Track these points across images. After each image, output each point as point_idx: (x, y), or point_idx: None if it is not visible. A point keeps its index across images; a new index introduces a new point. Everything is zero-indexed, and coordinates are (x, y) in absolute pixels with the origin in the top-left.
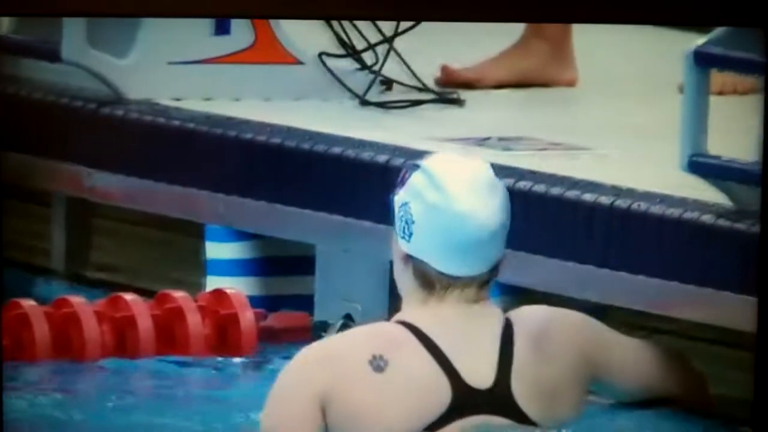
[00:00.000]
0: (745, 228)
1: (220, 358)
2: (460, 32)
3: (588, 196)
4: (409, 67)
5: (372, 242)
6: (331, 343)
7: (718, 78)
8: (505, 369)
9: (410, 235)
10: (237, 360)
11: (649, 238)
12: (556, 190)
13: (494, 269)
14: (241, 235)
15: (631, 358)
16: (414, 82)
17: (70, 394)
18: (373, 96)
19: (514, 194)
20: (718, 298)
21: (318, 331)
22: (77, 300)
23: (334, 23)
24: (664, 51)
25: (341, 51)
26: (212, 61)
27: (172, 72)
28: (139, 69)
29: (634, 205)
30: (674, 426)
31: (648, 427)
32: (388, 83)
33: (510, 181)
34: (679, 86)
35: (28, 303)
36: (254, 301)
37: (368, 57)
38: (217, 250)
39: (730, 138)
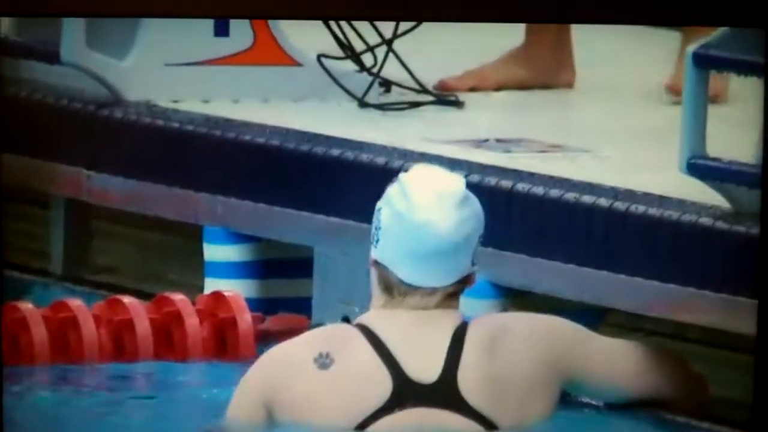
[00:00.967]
0: (743, 230)
1: (217, 362)
2: (459, 34)
3: (587, 198)
4: (408, 69)
5: (370, 245)
6: (284, 345)
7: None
8: (451, 366)
9: (377, 241)
10: (235, 363)
11: (648, 240)
12: (554, 192)
13: (461, 282)
14: (239, 238)
15: (615, 360)
16: (413, 84)
17: (68, 397)
18: (372, 98)
19: (512, 196)
20: (716, 300)
21: None
22: (75, 303)
23: (333, 25)
24: (662, 53)
25: (340, 53)
26: (211, 62)
27: (170, 74)
28: (138, 71)
29: (633, 207)
30: (671, 429)
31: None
32: (387, 85)
33: (509, 183)
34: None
35: (26, 306)
36: (252, 304)
37: (368, 59)
38: (215, 252)
39: (727, 141)
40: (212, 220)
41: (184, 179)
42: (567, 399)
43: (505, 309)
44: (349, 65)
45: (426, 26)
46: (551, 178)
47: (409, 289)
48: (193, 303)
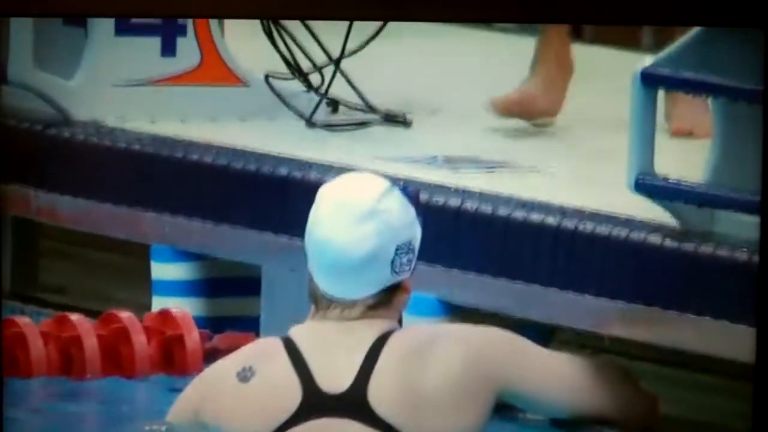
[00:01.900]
0: (692, 248)
1: (165, 376)
2: (407, 54)
3: (535, 216)
4: (355, 89)
5: None
6: (218, 361)
7: (676, 120)
8: (363, 377)
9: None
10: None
11: (596, 258)
12: (503, 210)
13: (385, 292)
14: (187, 256)
15: (555, 372)
16: (361, 104)
17: (14, 413)
18: (320, 117)
19: (460, 214)
20: (664, 318)
21: None
22: (23, 320)
23: (281, 44)
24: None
25: (288, 73)
26: (158, 82)
27: (118, 93)
28: (86, 90)
29: (581, 226)
30: None
31: None
32: (334, 104)
33: (456, 201)
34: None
35: None
36: (200, 322)
37: (316, 78)
38: (163, 270)
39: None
40: (160, 239)
41: (132, 198)
42: (510, 414)
43: None
44: (297, 85)
45: (373, 46)
46: (499, 196)
47: (331, 301)
48: (141, 321)
